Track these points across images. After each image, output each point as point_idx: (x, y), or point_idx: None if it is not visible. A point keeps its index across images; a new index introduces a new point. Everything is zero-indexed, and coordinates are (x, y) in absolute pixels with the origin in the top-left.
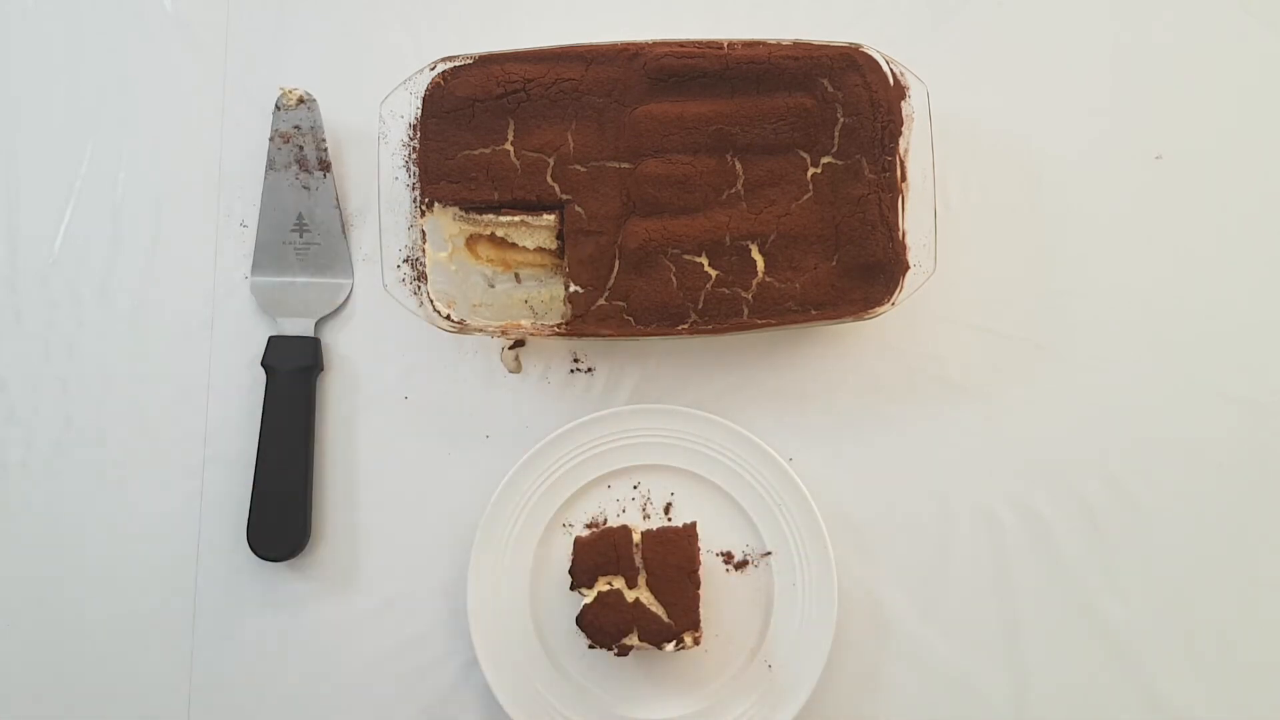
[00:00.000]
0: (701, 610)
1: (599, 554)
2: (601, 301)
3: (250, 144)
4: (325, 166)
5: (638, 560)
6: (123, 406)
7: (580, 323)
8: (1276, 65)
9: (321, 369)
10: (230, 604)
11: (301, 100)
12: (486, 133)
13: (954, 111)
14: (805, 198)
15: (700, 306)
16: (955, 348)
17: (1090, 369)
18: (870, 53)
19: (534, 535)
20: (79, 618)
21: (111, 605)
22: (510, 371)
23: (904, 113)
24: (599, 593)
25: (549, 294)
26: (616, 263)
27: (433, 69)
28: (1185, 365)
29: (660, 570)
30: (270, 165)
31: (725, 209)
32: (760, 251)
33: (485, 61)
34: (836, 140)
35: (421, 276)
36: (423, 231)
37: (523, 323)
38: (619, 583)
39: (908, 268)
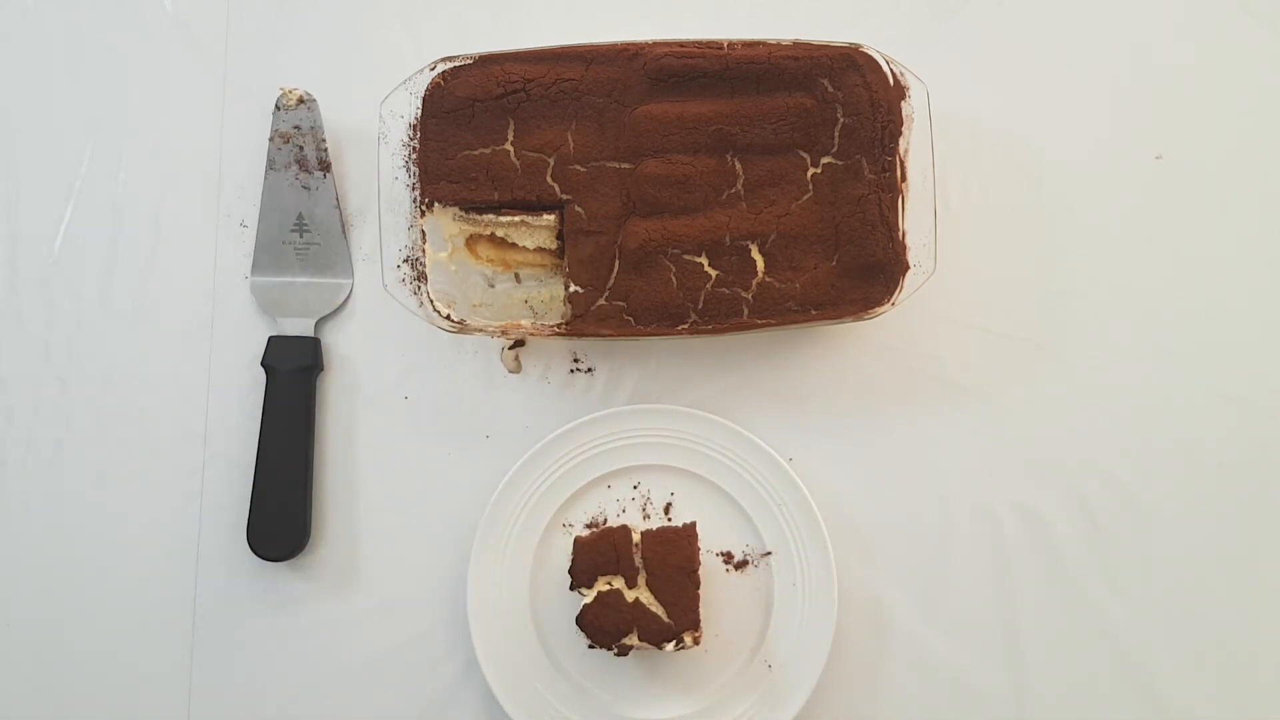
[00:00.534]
0: (701, 610)
1: (599, 554)
2: (601, 301)
3: (250, 144)
4: (325, 166)
5: (637, 560)
6: (123, 406)
7: (580, 323)
8: (1277, 65)
9: (321, 369)
10: (230, 604)
11: (301, 100)
12: (486, 133)
13: (954, 111)
14: (805, 198)
15: (700, 306)
16: (955, 348)
17: (1090, 369)
18: (870, 53)
19: (534, 535)
20: (79, 618)
21: (111, 605)
22: (510, 371)
23: (904, 113)
24: (599, 593)
25: (549, 294)
26: (616, 263)
27: (433, 69)
28: (1185, 365)
29: (660, 570)
30: (270, 165)
31: (725, 209)
32: (760, 251)
33: (485, 61)
34: (836, 140)
35: (421, 276)
36: (423, 231)
37: (523, 323)
38: (619, 583)
39: (907, 268)
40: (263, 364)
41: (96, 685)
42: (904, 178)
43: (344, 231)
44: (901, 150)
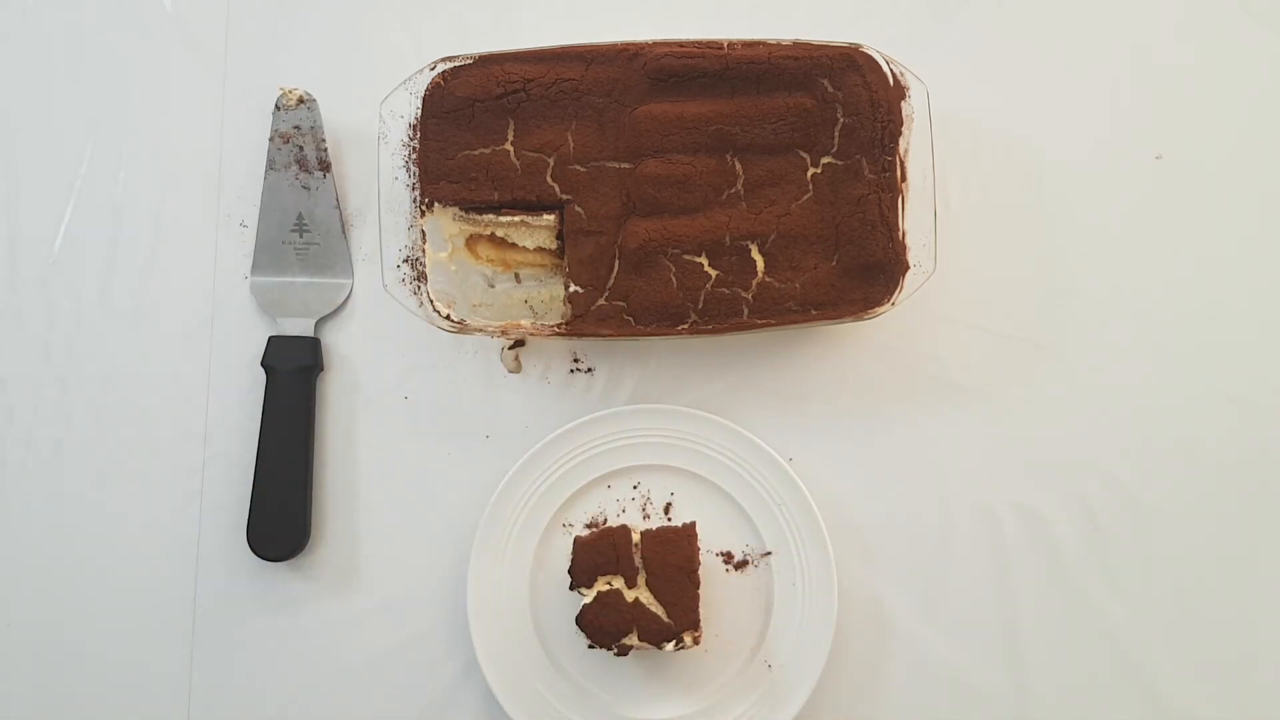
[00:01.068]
0: (701, 610)
1: (599, 554)
2: (601, 301)
3: (250, 144)
4: (325, 166)
5: (637, 560)
6: (123, 406)
7: (580, 323)
8: (1277, 65)
9: (321, 369)
10: (230, 604)
11: (301, 100)
12: (486, 133)
13: (954, 111)
14: (805, 198)
15: (700, 306)
16: (955, 348)
17: (1090, 369)
18: (870, 53)
19: (534, 535)
20: (79, 618)
21: (111, 605)
22: (510, 371)
23: (904, 113)
24: (599, 593)
25: (549, 294)
26: (616, 263)
27: (433, 69)
28: (1185, 365)
29: (660, 570)
30: (270, 165)
31: (725, 209)
32: (760, 251)
33: (485, 61)
34: (836, 140)
35: (421, 276)
36: (423, 231)
37: (523, 323)
38: (619, 582)
39: (908, 268)
40: (263, 364)
41: (96, 685)
42: (904, 178)
43: (344, 231)
44: (901, 150)
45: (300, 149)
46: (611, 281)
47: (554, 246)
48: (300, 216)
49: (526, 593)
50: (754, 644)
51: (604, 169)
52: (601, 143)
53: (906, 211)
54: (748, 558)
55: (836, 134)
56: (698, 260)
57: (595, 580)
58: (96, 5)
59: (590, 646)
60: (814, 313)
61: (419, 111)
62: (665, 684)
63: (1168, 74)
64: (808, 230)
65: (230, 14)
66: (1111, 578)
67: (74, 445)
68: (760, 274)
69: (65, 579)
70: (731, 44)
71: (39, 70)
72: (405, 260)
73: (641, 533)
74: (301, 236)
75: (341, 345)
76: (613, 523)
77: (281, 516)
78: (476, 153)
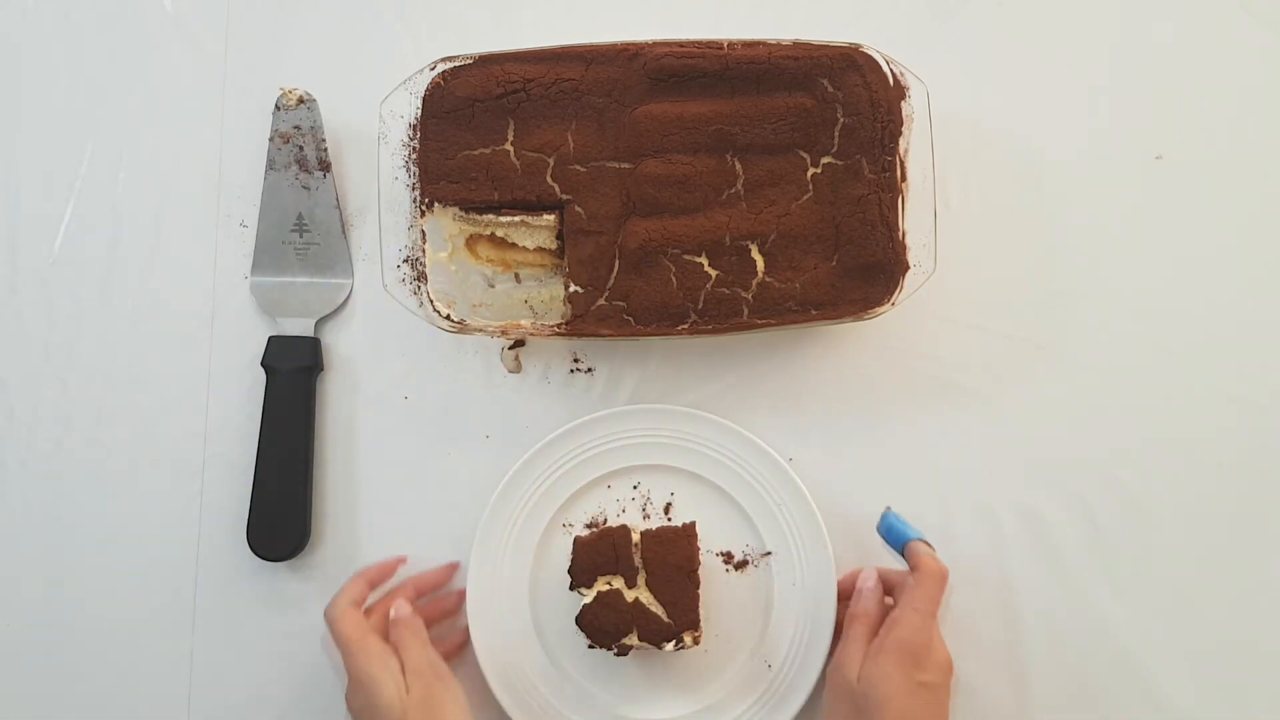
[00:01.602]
0: (701, 610)
1: (598, 554)
2: (601, 301)
3: (250, 144)
4: (325, 166)
5: (637, 560)
6: (123, 406)
7: (580, 323)
8: (1276, 65)
9: (321, 369)
10: (230, 604)
11: (301, 100)
12: (486, 133)
13: (954, 111)
14: (805, 198)
15: (700, 306)
16: (955, 348)
17: (1090, 369)
18: (870, 53)
19: (534, 535)
20: (79, 617)
21: (111, 605)
22: (510, 371)
23: (904, 113)
24: (598, 592)
25: (549, 294)
26: (616, 263)
27: (433, 69)
28: (1185, 365)
29: (660, 570)
30: (270, 165)
31: (725, 209)
32: (760, 251)
33: (485, 61)
34: (836, 140)
35: (421, 276)
36: (423, 231)
37: (523, 323)
38: (618, 582)
39: (907, 268)
40: (263, 364)
41: (96, 685)
42: (904, 178)
43: (344, 231)
44: (901, 150)
45: (300, 149)
46: (611, 281)
47: (554, 246)
48: (300, 216)
49: (526, 593)
50: (754, 644)
51: (604, 169)
52: (601, 143)
53: (906, 211)
54: (748, 558)
55: (836, 134)
56: (698, 260)
57: (595, 580)
58: (96, 5)
59: (590, 646)
60: (814, 313)
61: (419, 111)
62: (665, 684)
63: (1168, 74)
64: (808, 230)
65: (230, 14)
66: (1111, 578)
67: (74, 445)
68: (760, 274)
69: (65, 579)
70: (731, 44)
71: (39, 70)
72: (405, 260)
73: (641, 533)
74: (301, 236)
75: (341, 345)
76: (613, 523)
77: (281, 516)
78: (476, 153)
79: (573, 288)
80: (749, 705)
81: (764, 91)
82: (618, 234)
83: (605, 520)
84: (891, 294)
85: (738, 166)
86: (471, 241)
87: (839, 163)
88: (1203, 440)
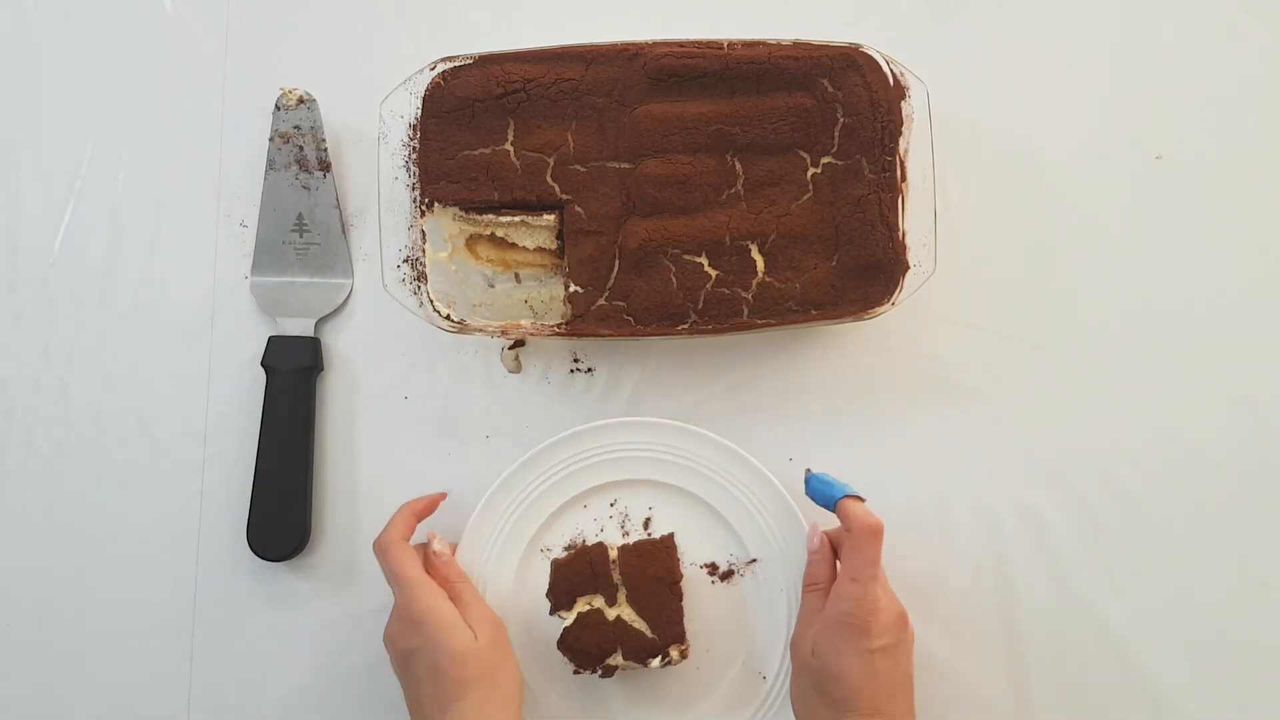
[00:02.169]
0: (686, 623)
1: (576, 573)
2: (601, 301)
3: (250, 144)
4: (325, 166)
5: (616, 577)
6: (123, 406)
7: (580, 323)
8: (1277, 65)
9: (321, 369)
10: (230, 604)
11: (301, 100)
12: (486, 133)
13: (954, 111)
14: (805, 198)
15: (700, 306)
16: (955, 348)
17: (1090, 369)
18: (870, 53)
19: (511, 565)
20: (79, 617)
21: (111, 605)
22: (510, 371)
23: (904, 113)
24: (579, 614)
25: (549, 294)
26: (616, 263)
27: (433, 69)
28: (1185, 365)
29: (640, 584)
30: (270, 165)
31: (725, 209)
32: (760, 251)
33: (485, 61)
34: (836, 140)
35: (421, 276)
36: (423, 231)
37: (523, 323)
38: (599, 601)
39: (908, 268)
40: (263, 364)
41: (96, 685)
42: (904, 178)
43: (344, 231)
44: (901, 150)
45: (300, 149)
46: (611, 281)
47: (554, 246)
48: (300, 216)
49: (509, 622)
50: (745, 656)
51: (604, 169)
52: (601, 143)
53: (906, 211)
54: (733, 567)
55: (836, 134)
56: (698, 260)
57: (575, 601)
58: (96, 5)
59: (576, 672)
60: (814, 313)
61: (419, 111)
62: (656, 705)
63: (1168, 74)
64: (808, 230)
65: (230, 14)
66: (1111, 578)
67: (74, 445)
68: (760, 274)
69: (65, 579)
70: (731, 44)
71: (38, 71)
72: (405, 260)
73: (619, 548)
74: (301, 236)
75: (341, 345)
76: (589, 542)
77: (281, 516)
78: (476, 153)
79: (573, 288)
80: (746, 717)
81: (764, 91)
82: (618, 234)
83: (584, 541)
84: (891, 294)
85: (738, 166)
86: (471, 241)
87: (839, 163)
88: (1203, 440)
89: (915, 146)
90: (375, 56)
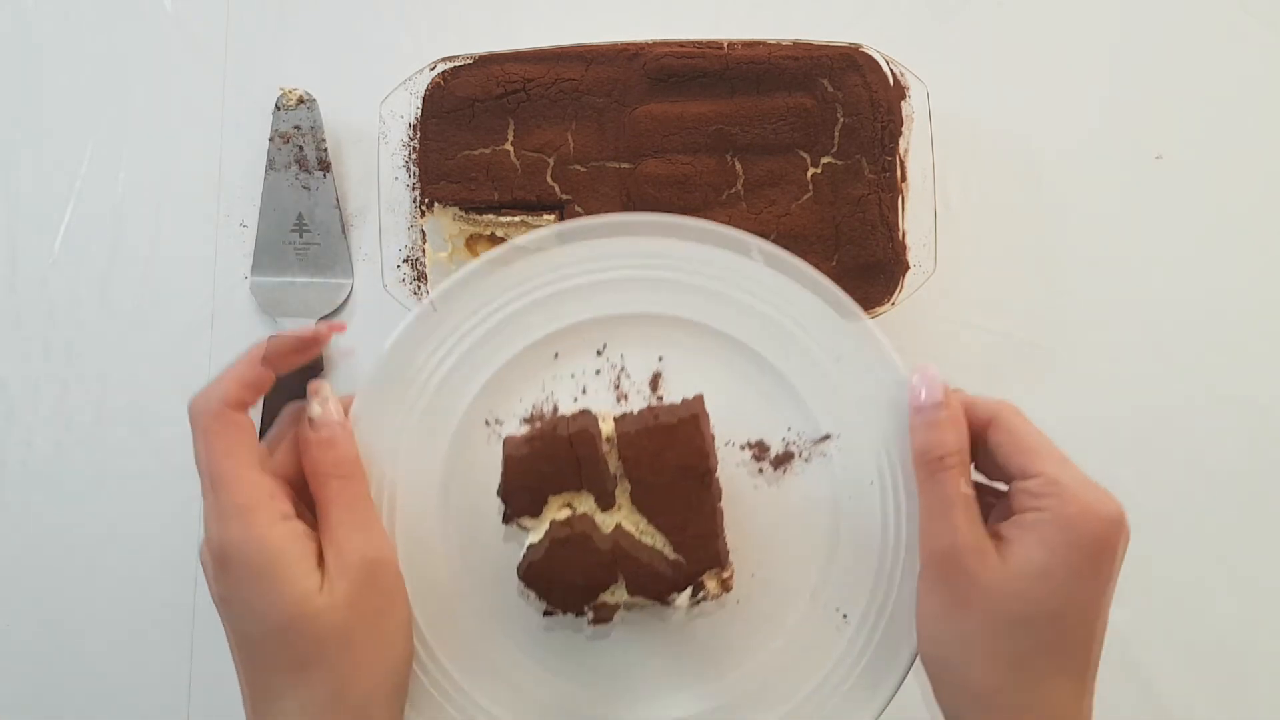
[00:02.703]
0: (727, 538)
1: (547, 460)
2: None
3: (250, 144)
4: (325, 166)
5: (613, 465)
6: (123, 407)
7: None
8: (1276, 65)
9: (321, 369)
10: None
11: (301, 100)
12: (486, 133)
13: (954, 111)
14: (805, 198)
15: None
16: (955, 348)
17: (1090, 369)
18: (870, 53)
19: (439, 446)
20: (79, 618)
21: (111, 605)
22: None
23: (904, 113)
24: (553, 523)
25: None
26: None
27: (433, 69)
28: (1185, 365)
29: (653, 477)
30: (270, 165)
31: (725, 209)
32: None
33: (485, 61)
34: (836, 140)
35: (421, 276)
36: (423, 231)
37: None
38: (585, 504)
39: (908, 268)
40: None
41: (96, 685)
42: (904, 178)
43: (344, 231)
44: (901, 150)
45: (300, 149)
46: None
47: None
48: (300, 216)
49: (434, 540)
50: (815, 585)
51: (604, 169)
52: (601, 143)
53: (906, 211)
54: (792, 449)
55: (836, 134)
56: None
57: (545, 504)
58: (96, 5)
59: (547, 613)
60: None
61: (419, 111)
62: (679, 664)
63: (1168, 74)
64: (808, 230)
65: (230, 14)
66: None
67: (74, 445)
68: None
69: (65, 579)
70: (731, 44)
71: (38, 71)
72: (405, 260)
73: (616, 421)
74: (301, 236)
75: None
76: (566, 411)
77: None
78: (476, 153)
79: None
80: (815, 684)
81: (764, 91)
82: None
83: (555, 409)
84: (891, 294)
85: (738, 166)
86: (471, 241)
87: (839, 163)
88: (1203, 440)
89: (915, 146)
90: (375, 56)
